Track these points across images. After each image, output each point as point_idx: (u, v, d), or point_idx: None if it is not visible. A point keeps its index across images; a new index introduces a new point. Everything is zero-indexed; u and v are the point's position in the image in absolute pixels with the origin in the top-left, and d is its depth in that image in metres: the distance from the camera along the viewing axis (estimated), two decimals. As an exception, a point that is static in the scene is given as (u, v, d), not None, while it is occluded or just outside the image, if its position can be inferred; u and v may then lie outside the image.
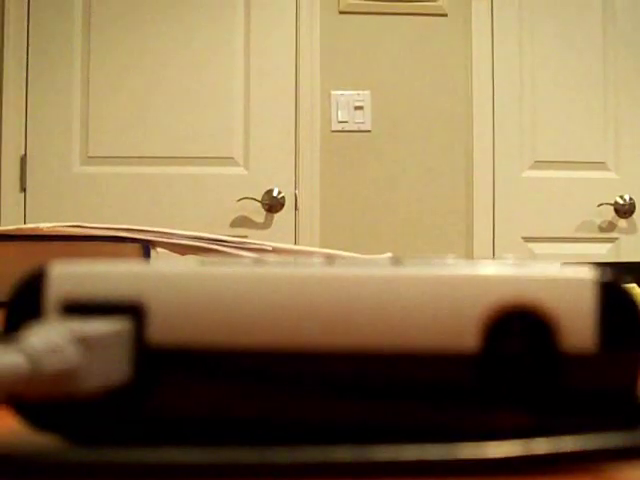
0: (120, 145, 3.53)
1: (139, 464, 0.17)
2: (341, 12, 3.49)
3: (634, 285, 0.45)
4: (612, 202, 3.45)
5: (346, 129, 3.49)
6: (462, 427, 0.18)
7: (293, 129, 3.51)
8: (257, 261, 0.22)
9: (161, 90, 3.53)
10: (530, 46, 3.53)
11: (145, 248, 0.79)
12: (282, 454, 0.16)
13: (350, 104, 3.50)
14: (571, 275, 0.18)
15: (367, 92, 3.50)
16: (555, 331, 0.17)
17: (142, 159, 3.51)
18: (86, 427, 0.19)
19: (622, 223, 3.48)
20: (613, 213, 3.46)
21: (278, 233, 3.53)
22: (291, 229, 3.55)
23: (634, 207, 3.45)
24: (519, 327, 0.17)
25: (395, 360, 0.17)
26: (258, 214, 3.53)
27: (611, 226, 3.49)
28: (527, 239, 3.49)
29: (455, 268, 0.18)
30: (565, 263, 0.22)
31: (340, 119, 3.48)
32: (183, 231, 0.81)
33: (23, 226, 0.80)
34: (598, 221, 3.50)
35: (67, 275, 0.19)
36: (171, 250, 0.84)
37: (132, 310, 0.19)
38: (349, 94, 3.50)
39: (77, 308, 0.19)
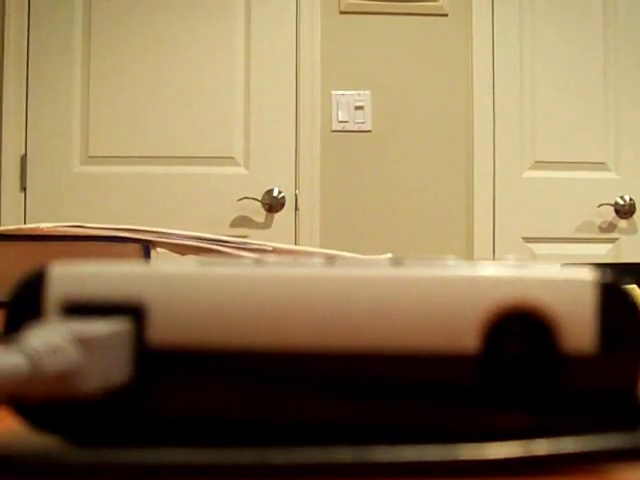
0: (120, 145, 3.53)
1: (139, 465, 0.17)
2: (342, 12, 3.49)
3: (634, 286, 0.45)
4: (612, 202, 3.45)
5: (346, 129, 3.49)
6: (462, 428, 0.18)
7: (293, 129, 3.51)
8: (257, 262, 0.22)
9: (161, 90, 3.53)
10: (530, 46, 3.53)
11: (145, 248, 0.79)
12: (282, 455, 0.16)
13: (350, 104, 3.50)
14: (571, 276, 0.18)
15: (367, 92, 3.50)
16: (555, 332, 0.17)
17: (142, 159, 3.52)
18: (86, 428, 0.19)
19: (622, 224, 3.48)
20: (613, 214, 3.46)
21: (278, 233, 3.53)
22: (291, 229, 3.55)
23: (634, 207, 3.45)
24: (519, 328, 0.17)
25: (395, 361, 0.17)
26: (258, 214, 3.53)
27: (611, 227, 3.49)
28: (527, 239, 3.49)
29: (455, 269, 0.18)
30: (565, 264, 0.22)
31: (340, 119, 3.48)
32: (183, 231, 0.81)
33: (23, 226, 0.80)
34: (598, 222, 3.50)
35: (67, 275, 0.19)
36: (171, 250, 0.84)
37: (132, 311, 0.19)
38: (349, 94, 3.50)
39: (77, 308, 0.19)
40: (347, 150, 3.49)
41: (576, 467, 0.17)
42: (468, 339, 0.17)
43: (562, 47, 3.53)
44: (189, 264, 0.20)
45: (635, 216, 3.44)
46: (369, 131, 3.49)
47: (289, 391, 0.18)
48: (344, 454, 0.16)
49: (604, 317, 0.17)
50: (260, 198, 3.51)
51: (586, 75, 3.53)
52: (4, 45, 3.48)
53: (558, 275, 0.18)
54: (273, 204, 3.50)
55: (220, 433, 0.19)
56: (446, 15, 3.51)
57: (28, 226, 0.80)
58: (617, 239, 3.46)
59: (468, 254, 3.47)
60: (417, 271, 0.18)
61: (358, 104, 3.49)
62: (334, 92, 3.49)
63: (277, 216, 3.52)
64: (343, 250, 3.44)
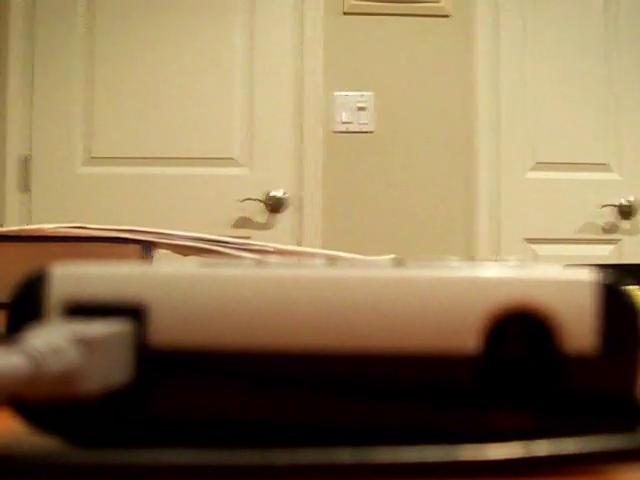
0: (123, 146, 3.54)
1: (139, 465, 0.17)
2: (345, 13, 3.49)
3: (635, 287, 0.45)
4: (615, 204, 3.45)
5: (349, 130, 3.49)
6: (463, 428, 0.18)
7: (296, 130, 3.52)
8: (258, 262, 0.22)
9: (164, 91, 3.53)
10: (533, 47, 3.53)
11: (146, 249, 0.79)
12: (282, 455, 0.16)
13: (353, 105, 3.50)
14: (572, 277, 0.18)
15: (370, 93, 3.51)
16: (556, 333, 0.17)
17: (145, 160, 3.52)
18: (87, 428, 0.19)
19: (625, 225, 3.48)
20: (616, 214, 3.46)
21: (281, 234, 3.53)
22: (294, 230, 3.55)
23: (637, 208, 3.45)
24: (520, 329, 0.17)
25: (396, 361, 0.17)
26: (261, 215, 3.53)
27: (614, 228, 3.49)
28: (530, 240, 3.49)
29: (456, 270, 0.18)
30: (567, 265, 0.22)
31: (343, 120, 3.48)
32: (184, 232, 0.81)
33: (26, 227, 0.80)
34: (601, 223, 3.50)
35: (69, 276, 0.19)
36: (172, 251, 0.84)
37: (133, 312, 0.19)
38: (352, 95, 3.50)
39: (79, 309, 0.19)
40: (350, 151, 3.49)
41: (577, 468, 0.17)
42: (469, 340, 0.17)
43: (564, 48, 3.53)
44: (190, 265, 0.20)
45: (637, 217, 3.44)
46: (372, 132, 3.49)
47: (290, 392, 0.18)
48: (345, 455, 0.16)
49: (604, 318, 0.17)
50: (263, 199, 3.51)
51: (588, 76, 3.53)
52: (8, 47, 3.48)
53: (559, 276, 0.18)
54: (276, 205, 3.50)
55: (221, 434, 0.19)
56: (449, 16, 3.51)
57: (31, 227, 0.80)
58: (619, 240, 3.46)
59: (470, 255, 3.47)
60: (418, 272, 0.18)
61: (361, 105, 3.49)
62: (337, 93, 3.49)
63: (279, 217, 3.52)
64: (346, 251, 3.44)
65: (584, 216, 3.45)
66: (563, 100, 3.53)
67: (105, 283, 0.19)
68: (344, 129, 3.49)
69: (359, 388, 0.18)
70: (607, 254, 3.54)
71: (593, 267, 0.22)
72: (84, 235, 0.78)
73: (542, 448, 0.17)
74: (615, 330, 0.17)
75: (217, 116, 3.54)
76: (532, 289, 0.17)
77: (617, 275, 0.18)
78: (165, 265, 0.20)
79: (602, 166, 3.48)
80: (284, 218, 3.52)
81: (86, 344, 0.17)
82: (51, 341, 0.17)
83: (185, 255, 0.85)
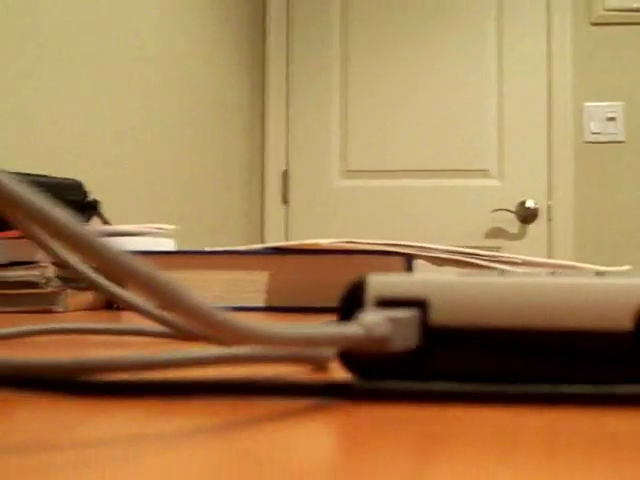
0: (377, 159, 3.68)
1: (414, 391, 0.28)
2: (593, 23, 3.49)
3: None
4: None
5: (599, 140, 3.49)
6: (620, 379, 0.28)
7: (546, 140, 3.55)
8: (500, 272, 0.34)
9: (415, 105, 3.65)
10: None
11: (408, 261, 0.91)
12: (516, 388, 0.28)
13: (603, 115, 3.50)
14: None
15: (620, 103, 3.50)
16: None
17: (399, 172, 3.65)
18: (389, 376, 0.31)
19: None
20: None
21: (532, 244, 3.57)
22: (545, 240, 3.58)
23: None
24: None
25: (581, 335, 0.28)
26: (512, 225, 3.59)
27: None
28: None
29: (621, 278, 0.29)
30: None
31: (593, 130, 3.50)
32: (440, 245, 0.93)
33: (304, 241, 0.93)
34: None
35: (379, 282, 0.31)
36: (430, 262, 0.95)
37: (420, 304, 0.30)
38: (602, 105, 3.51)
39: (386, 302, 0.31)
40: (600, 161, 3.50)
41: None
42: (626, 321, 0.28)
43: None
44: (452, 274, 0.32)
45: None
46: (622, 142, 3.49)
47: (517, 354, 0.29)
48: (551, 389, 0.27)
49: None
50: (514, 209, 3.57)
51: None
52: (265, 72, 3.71)
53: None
54: (526, 215, 3.55)
55: (474, 384, 0.30)
56: (702, 23, 3.45)
57: (308, 241, 0.94)
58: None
59: None
60: (586, 280, 0.29)
61: (610, 115, 3.49)
62: (586, 104, 3.51)
63: (530, 227, 3.57)
64: (598, 260, 3.44)
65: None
66: None
67: (403, 286, 0.30)
68: (594, 139, 3.50)
69: (559, 352, 0.29)
70: None
71: None
72: (354, 249, 0.91)
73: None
74: None
75: (468, 128, 3.62)
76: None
77: None
78: (438, 275, 0.31)
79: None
80: (535, 228, 3.57)
81: (394, 322, 0.29)
82: (374, 319, 0.28)
83: (440, 265, 0.96)
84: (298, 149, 3.72)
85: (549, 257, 3.50)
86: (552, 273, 0.35)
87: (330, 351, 0.34)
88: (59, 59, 2.24)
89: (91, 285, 0.51)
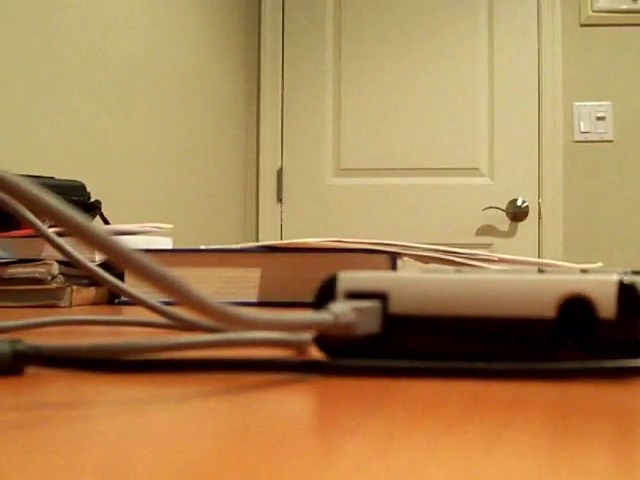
0: (369, 157, 3.72)
1: (375, 367, 0.34)
2: (582, 25, 3.54)
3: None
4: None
5: (588, 139, 3.54)
6: (543, 358, 0.34)
7: (536, 139, 3.60)
8: (457, 271, 0.40)
9: (407, 104, 3.70)
10: None
11: (392, 259, 0.97)
12: (461, 365, 0.34)
13: (592, 115, 3.55)
14: (604, 277, 0.34)
15: (609, 103, 3.54)
16: (594, 307, 0.33)
17: (391, 170, 3.69)
18: (355, 355, 0.37)
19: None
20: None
21: (522, 241, 3.62)
22: (535, 238, 3.63)
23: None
24: (576, 305, 0.33)
25: (511, 322, 0.34)
26: (503, 223, 3.63)
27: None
28: None
29: (553, 274, 0.35)
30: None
31: (582, 130, 3.54)
32: (423, 244, 0.98)
33: (294, 240, 0.99)
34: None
35: (348, 278, 0.37)
36: (415, 260, 1.01)
37: (381, 296, 0.37)
38: (591, 105, 3.55)
39: (353, 295, 0.37)
40: (589, 160, 3.54)
41: (599, 379, 0.33)
42: (550, 310, 0.34)
43: None
44: (414, 272, 0.38)
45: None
46: (611, 141, 3.53)
47: (461, 337, 0.35)
48: (482, 365, 0.33)
49: (619, 298, 0.33)
50: (504, 207, 3.62)
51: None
52: (260, 71, 3.75)
53: (600, 277, 0.34)
54: (516, 213, 3.60)
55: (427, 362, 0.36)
56: (688, 24, 3.49)
57: (298, 240, 0.99)
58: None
59: None
60: (519, 276, 0.35)
61: (600, 115, 3.54)
62: (576, 103, 3.55)
63: (521, 225, 3.62)
64: (587, 258, 3.50)
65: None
66: None
67: (367, 281, 0.36)
68: (583, 139, 3.54)
69: (496, 335, 0.35)
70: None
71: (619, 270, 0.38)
72: (342, 247, 0.96)
73: (578, 364, 0.33)
74: (625, 306, 0.33)
75: (459, 127, 3.66)
76: (583, 284, 0.34)
77: (629, 274, 0.34)
78: (398, 272, 0.37)
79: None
80: (525, 226, 3.62)
81: (358, 311, 0.35)
82: (342, 308, 0.34)
83: (425, 262, 1.02)
84: (292, 147, 3.77)
85: (539, 255, 3.55)
86: (504, 270, 0.41)
87: (308, 337, 0.40)
88: (59, 63, 2.29)
89: (98, 280, 0.57)
